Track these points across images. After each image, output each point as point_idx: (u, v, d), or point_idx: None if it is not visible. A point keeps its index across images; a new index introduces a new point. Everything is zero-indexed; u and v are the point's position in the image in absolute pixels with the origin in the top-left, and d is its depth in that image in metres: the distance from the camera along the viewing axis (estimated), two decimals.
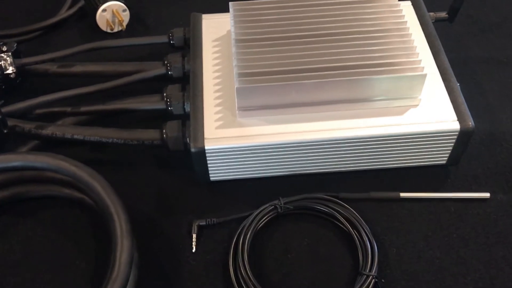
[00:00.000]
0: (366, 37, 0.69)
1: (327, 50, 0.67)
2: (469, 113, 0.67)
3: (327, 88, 0.65)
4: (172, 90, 0.73)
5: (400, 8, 0.72)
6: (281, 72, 0.65)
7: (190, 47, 0.75)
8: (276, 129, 0.66)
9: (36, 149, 0.73)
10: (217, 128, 0.66)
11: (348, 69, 0.65)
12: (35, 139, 0.72)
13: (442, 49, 0.74)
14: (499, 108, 0.79)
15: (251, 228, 0.65)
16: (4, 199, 0.68)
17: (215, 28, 0.77)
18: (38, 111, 0.75)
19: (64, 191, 0.69)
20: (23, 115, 0.74)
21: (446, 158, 0.70)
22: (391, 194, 0.70)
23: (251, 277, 0.61)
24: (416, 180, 0.71)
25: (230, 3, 0.74)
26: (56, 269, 0.64)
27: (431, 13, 0.79)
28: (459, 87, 0.71)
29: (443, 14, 0.80)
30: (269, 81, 0.64)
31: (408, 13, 0.78)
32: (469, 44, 0.88)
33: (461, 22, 0.91)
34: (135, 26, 0.92)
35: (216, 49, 0.75)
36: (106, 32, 0.90)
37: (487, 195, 0.70)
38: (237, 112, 0.67)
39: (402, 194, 0.70)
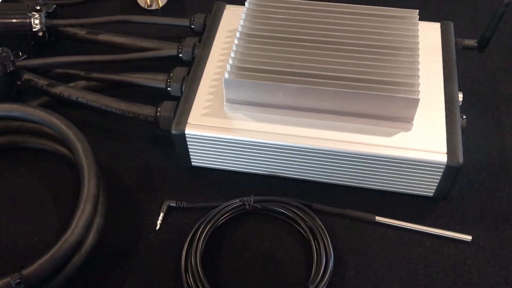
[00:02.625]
0: (370, 51, 0.67)
1: (326, 58, 0.66)
2: (461, 149, 0.63)
3: (313, 95, 0.64)
4: (178, 72, 0.74)
5: (417, 27, 0.69)
6: (272, 72, 0.65)
7: (203, 33, 0.76)
8: (258, 127, 0.66)
9: (46, 106, 0.78)
10: (202, 115, 0.67)
11: (339, 80, 0.64)
12: (45, 95, 0.76)
13: (456, 77, 0.70)
14: None
15: (214, 220, 0.66)
16: (4, 145, 0.73)
17: (233, 20, 0.78)
18: (58, 70, 0.80)
19: (58, 148, 0.73)
20: (44, 72, 0.79)
21: (433, 191, 0.67)
22: (367, 216, 0.67)
23: (199, 266, 0.62)
24: (399, 207, 0.68)
25: None
26: (30, 217, 0.69)
27: (460, 39, 0.75)
28: (463, 120, 0.67)
29: (472, 42, 0.75)
30: (258, 78, 0.64)
31: (433, 35, 0.74)
32: (502, 78, 0.82)
33: (501, 54, 0.86)
34: (173, 6, 0.95)
35: (228, 39, 0.75)
36: (143, 8, 0.93)
37: (468, 238, 0.65)
38: (224, 103, 0.67)
39: (378, 218, 0.67)
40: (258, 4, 0.73)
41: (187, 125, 0.66)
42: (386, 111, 0.64)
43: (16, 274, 0.57)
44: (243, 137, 0.65)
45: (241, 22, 0.71)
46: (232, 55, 0.67)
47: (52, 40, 0.85)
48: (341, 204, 0.69)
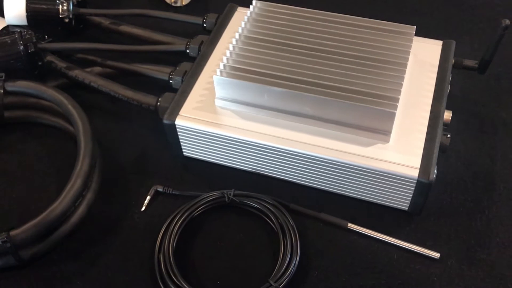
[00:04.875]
0: (359, 63, 0.68)
1: (314, 65, 0.68)
2: (434, 166, 0.64)
3: (296, 100, 0.66)
4: (182, 66, 0.79)
5: (411, 43, 0.70)
6: (260, 74, 0.68)
7: (212, 32, 0.81)
8: (243, 125, 0.69)
9: (65, 87, 0.84)
10: (194, 108, 0.71)
11: (322, 88, 0.66)
12: (63, 77, 0.83)
13: (445, 96, 0.70)
14: (502, 176, 0.73)
15: (193, 208, 0.70)
16: (20, 118, 0.81)
17: (242, 21, 0.81)
18: (79, 55, 0.86)
19: (67, 126, 0.79)
20: (68, 56, 0.86)
21: (407, 205, 0.68)
22: (340, 221, 0.69)
23: (170, 248, 0.66)
24: (376, 217, 0.70)
25: (254, 1, 0.78)
26: (33, 187, 0.75)
27: (460, 59, 0.76)
28: (447, 139, 0.67)
29: (472, 63, 0.75)
30: (245, 78, 0.68)
31: (432, 52, 0.75)
32: (506, 102, 0.82)
33: (510, 78, 0.84)
34: (197, 4, 1.00)
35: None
36: (169, 4, 0.99)
37: (436, 255, 0.66)
38: (215, 100, 0.71)
39: (350, 225, 0.69)
40: (261, 9, 0.76)
41: (178, 116, 0.71)
42: (365, 122, 0.66)
43: (3, 233, 0.63)
44: (227, 132, 0.69)
45: (242, 25, 0.74)
46: (227, 55, 0.71)
47: (80, 27, 0.92)
48: (319, 207, 0.71)
